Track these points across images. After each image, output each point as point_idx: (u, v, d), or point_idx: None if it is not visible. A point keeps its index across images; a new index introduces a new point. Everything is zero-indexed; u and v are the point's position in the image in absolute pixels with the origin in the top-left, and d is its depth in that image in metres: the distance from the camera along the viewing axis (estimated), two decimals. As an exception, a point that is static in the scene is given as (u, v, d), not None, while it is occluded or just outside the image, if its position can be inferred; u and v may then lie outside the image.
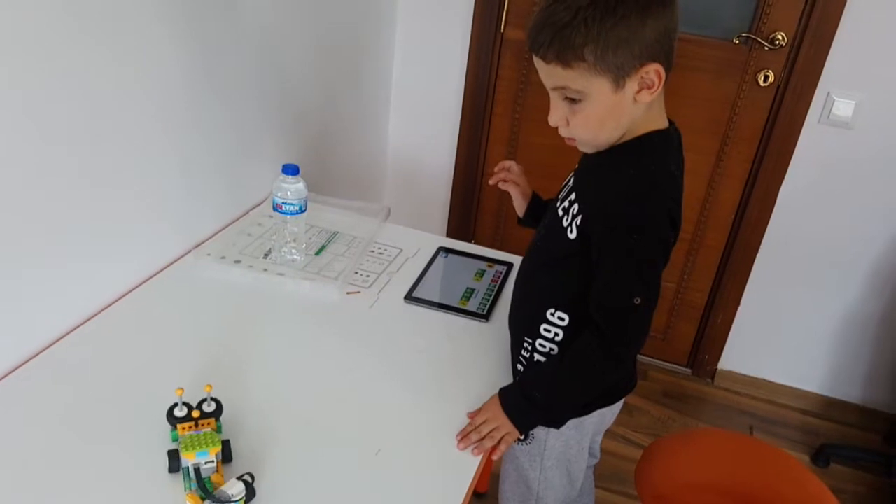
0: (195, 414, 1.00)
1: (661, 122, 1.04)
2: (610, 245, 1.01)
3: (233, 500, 0.91)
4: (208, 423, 0.99)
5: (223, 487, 0.92)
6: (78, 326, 1.23)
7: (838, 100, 2.02)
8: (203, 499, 0.91)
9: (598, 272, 1.03)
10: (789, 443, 2.30)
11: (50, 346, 1.18)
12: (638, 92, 0.96)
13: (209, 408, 1.01)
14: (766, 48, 2.03)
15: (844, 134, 2.06)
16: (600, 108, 0.97)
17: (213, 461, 0.94)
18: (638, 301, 1.01)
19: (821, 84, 2.02)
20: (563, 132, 1.03)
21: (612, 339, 1.03)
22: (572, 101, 0.98)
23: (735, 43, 2.06)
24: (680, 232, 1.04)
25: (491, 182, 1.37)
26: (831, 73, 2.00)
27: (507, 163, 1.35)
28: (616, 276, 1.02)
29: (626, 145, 1.03)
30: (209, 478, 0.94)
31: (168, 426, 1.00)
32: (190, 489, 0.93)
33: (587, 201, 1.06)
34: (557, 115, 1.01)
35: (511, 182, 1.34)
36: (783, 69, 2.05)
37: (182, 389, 1.00)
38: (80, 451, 1.00)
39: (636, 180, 1.01)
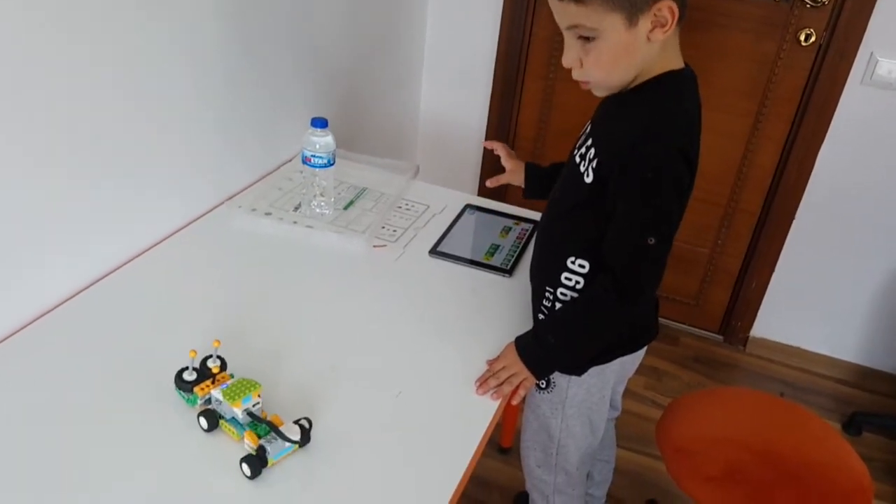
0: (215, 370, 0.99)
1: (676, 63, 1.04)
2: (623, 183, 1.01)
3: (291, 440, 0.92)
4: (223, 378, 0.98)
5: (281, 429, 0.92)
6: (116, 269, 1.28)
7: (882, 60, 1.95)
8: (261, 436, 0.91)
9: (613, 214, 1.04)
10: (821, 410, 2.27)
11: (87, 287, 1.23)
12: (651, 30, 0.96)
13: (214, 363, 1.01)
14: (807, 6, 1.98)
15: (887, 95, 1.99)
16: (614, 46, 0.97)
17: (258, 402, 0.95)
18: (651, 241, 1.01)
19: (864, 44, 1.96)
20: (576, 74, 1.04)
21: (623, 280, 1.04)
22: (586, 39, 0.98)
23: (776, 0, 2.00)
24: (696, 172, 1.03)
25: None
26: (875, 33, 1.94)
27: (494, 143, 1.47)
28: (629, 213, 1.02)
29: (640, 86, 1.03)
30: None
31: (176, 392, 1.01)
32: (244, 431, 0.93)
33: (602, 141, 1.06)
34: (571, 55, 1.01)
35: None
36: (825, 28, 1.99)
37: (195, 352, 0.99)
38: (103, 394, 1.04)
39: (650, 118, 1.01)
